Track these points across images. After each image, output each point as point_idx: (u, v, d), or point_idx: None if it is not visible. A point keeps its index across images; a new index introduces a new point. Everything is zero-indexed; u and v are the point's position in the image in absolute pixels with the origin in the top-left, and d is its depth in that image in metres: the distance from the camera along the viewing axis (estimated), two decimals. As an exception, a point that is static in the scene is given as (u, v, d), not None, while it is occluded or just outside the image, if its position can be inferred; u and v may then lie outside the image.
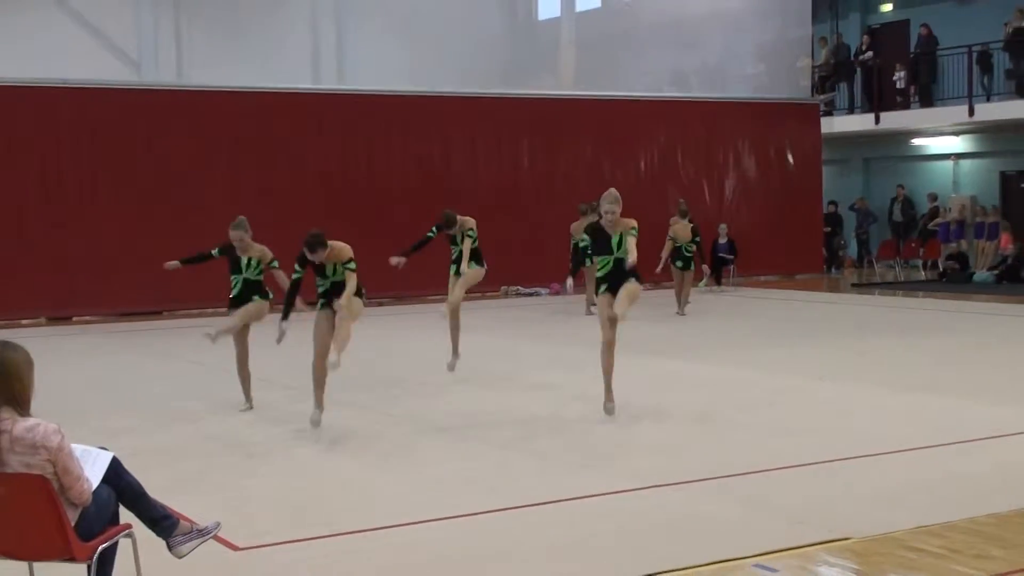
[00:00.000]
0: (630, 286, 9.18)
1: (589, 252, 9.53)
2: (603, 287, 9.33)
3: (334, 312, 8.89)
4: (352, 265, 8.85)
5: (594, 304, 15.75)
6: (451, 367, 11.47)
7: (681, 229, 17.40)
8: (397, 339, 15.18)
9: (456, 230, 11.32)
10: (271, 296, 9.97)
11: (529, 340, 14.93)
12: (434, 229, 11.39)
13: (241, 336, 9.90)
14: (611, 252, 9.25)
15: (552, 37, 25.25)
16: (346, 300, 8.78)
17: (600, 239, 9.33)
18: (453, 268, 11.49)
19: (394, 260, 11.39)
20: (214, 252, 10.08)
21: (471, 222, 11.43)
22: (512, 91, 22.36)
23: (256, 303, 9.84)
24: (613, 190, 9.37)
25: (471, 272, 11.38)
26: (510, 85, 22.72)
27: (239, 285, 9.89)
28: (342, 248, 8.86)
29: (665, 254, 17.31)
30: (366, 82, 21.19)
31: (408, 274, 18.88)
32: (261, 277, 9.91)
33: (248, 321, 9.85)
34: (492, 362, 12.09)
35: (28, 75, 18.22)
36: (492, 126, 21.69)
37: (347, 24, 22.84)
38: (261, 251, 9.87)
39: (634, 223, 9.28)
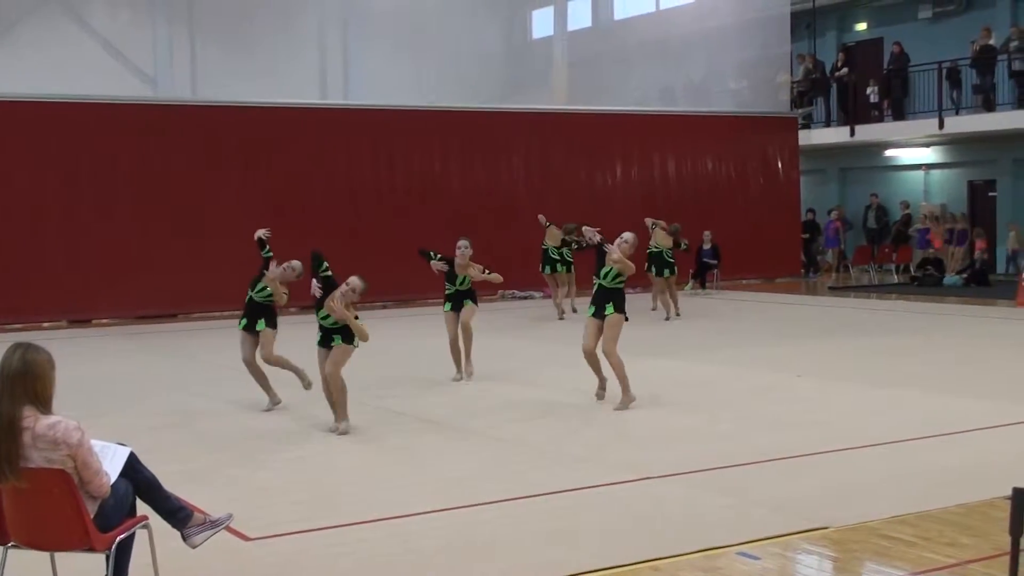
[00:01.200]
0: (608, 327, 9.44)
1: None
2: (591, 308, 9.71)
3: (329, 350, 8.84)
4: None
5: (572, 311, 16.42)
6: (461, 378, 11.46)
7: (661, 237, 17.13)
8: (399, 340, 15.13)
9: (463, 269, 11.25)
10: (277, 327, 9.90)
11: (525, 340, 14.90)
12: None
13: (250, 346, 9.87)
14: (599, 277, 9.65)
15: (546, 55, 25.30)
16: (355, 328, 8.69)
17: (599, 263, 9.68)
18: (448, 305, 11.36)
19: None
20: (267, 247, 9.88)
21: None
22: (508, 106, 22.35)
23: (265, 332, 9.76)
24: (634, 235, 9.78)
25: (471, 309, 11.37)
26: (507, 100, 22.72)
27: (249, 300, 9.91)
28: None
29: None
30: (371, 97, 21.17)
31: (409, 277, 19.05)
32: (268, 303, 9.84)
33: (263, 350, 9.81)
34: (491, 361, 12.06)
35: (50, 91, 18.18)
36: (489, 139, 21.66)
37: (353, 42, 22.85)
38: (275, 289, 9.79)
39: (632, 270, 9.59)
